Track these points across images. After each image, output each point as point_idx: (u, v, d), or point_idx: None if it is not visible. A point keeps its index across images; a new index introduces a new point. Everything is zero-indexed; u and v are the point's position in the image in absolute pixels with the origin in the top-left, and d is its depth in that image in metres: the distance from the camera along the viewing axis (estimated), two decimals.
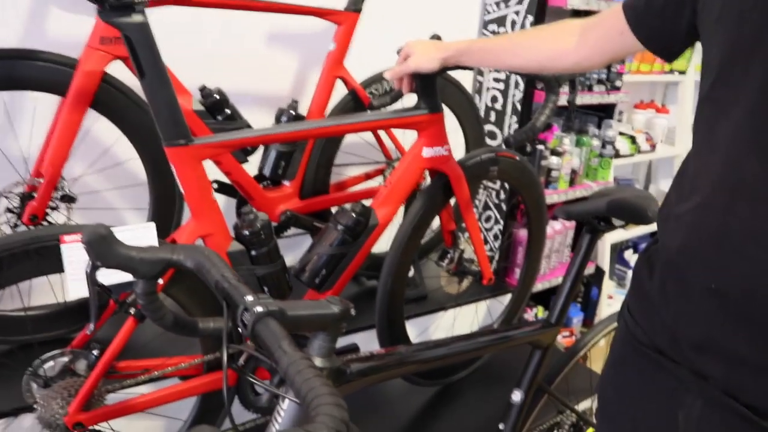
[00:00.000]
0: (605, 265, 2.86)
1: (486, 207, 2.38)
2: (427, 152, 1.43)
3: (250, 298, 0.72)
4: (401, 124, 1.40)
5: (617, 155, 2.73)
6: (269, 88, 1.90)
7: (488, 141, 2.31)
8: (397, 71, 1.35)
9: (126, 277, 0.79)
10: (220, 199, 1.58)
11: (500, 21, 2.24)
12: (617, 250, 3.28)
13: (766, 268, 0.74)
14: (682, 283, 0.84)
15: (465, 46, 1.27)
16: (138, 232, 1.14)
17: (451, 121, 1.98)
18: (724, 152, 0.78)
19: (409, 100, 1.44)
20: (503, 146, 1.70)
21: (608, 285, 2.97)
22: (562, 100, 1.81)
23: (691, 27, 0.90)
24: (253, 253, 1.34)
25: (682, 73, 3.20)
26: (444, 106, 1.48)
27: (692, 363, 0.83)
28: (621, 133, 2.87)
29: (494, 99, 2.28)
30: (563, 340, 2.69)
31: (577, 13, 2.36)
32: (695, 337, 0.82)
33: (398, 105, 1.54)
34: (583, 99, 2.36)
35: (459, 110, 2.01)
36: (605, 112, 2.67)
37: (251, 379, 0.87)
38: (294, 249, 1.97)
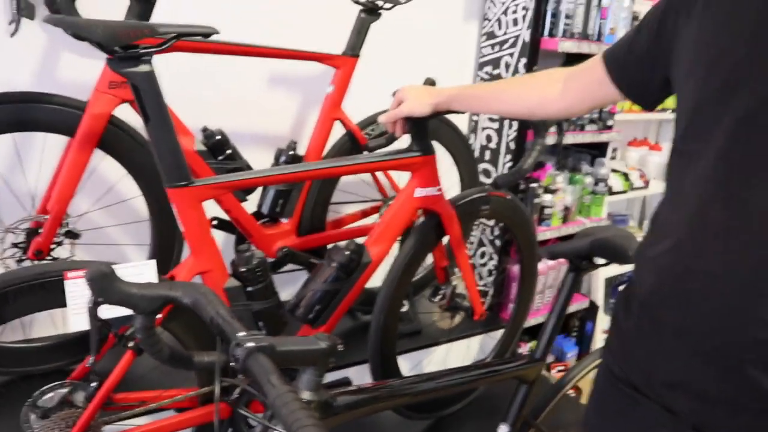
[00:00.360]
0: (599, 300, 2.90)
1: (481, 243, 2.43)
2: (419, 192, 1.49)
3: (242, 333, 0.77)
4: (394, 166, 1.46)
5: (610, 192, 2.79)
6: (269, 129, 1.97)
7: (483, 179, 2.37)
8: (391, 116, 1.41)
9: (126, 311, 0.84)
10: (220, 235, 1.64)
11: (495, 63, 2.32)
12: (612, 284, 3.31)
13: (730, 309, 0.78)
14: (654, 323, 0.89)
15: (456, 92, 1.34)
16: (139, 269, 1.19)
17: (447, 160, 2.06)
18: (692, 199, 0.83)
19: (405, 139, 1.50)
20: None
21: (603, 319, 2.99)
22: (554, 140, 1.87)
23: (666, 79, 0.96)
24: (249, 289, 1.38)
25: (674, 111, 3.26)
26: (440, 145, 1.54)
27: (664, 399, 0.87)
28: (614, 170, 2.93)
29: (489, 138, 2.35)
30: (557, 374, 2.71)
31: (569, 56, 2.45)
32: (667, 375, 0.87)
33: (394, 145, 1.61)
34: (575, 138, 2.42)
35: (454, 149, 2.08)
36: (599, 149, 2.73)
37: (244, 413, 0.91)
38: (291, 284, 2.01)
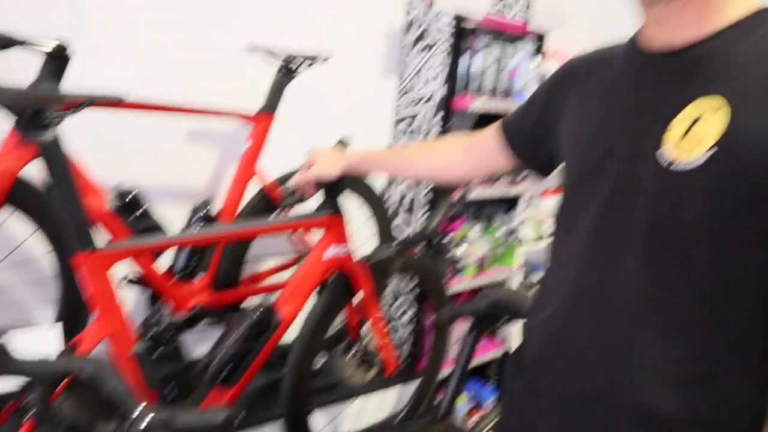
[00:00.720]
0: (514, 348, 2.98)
1: (397, 295, 2.48)
2: (329, 252, 1.53)
3: (139, 408, 0.79)
4: (305, 226, 1.50)
5: (524, 242, 2.91)
6: (186, 185, 1.97)
7: (403, 227, 2.44)
8: (301, 179, 1.46)
9: (23, 381, 0.84)
10: (133, 291, 1.62)
11: (411, 119, 2.41)
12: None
13: (603, 374, 0.85)
14: (536, 385, 0.95)
15: (364, 156, 1.41)
16: (43, 333, 1.18)
17: (362, 214, 2.11)
18: (569, 270, 0.91)
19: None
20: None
21: None
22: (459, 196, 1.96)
23: (555, 151, 1.06)
24: (158, 351, 1.38)
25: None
26: (356, 200, 1.59)
27: None
28: (528, 220, 3.05)
29: (403, 195, 2.43)
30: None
31: (481, 116, 2.57)
32: None
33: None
34: (484, 192, 2.52)
35: (369, 204, 2.14)
36: (512, 200, 2.85)
37: None
38: (207, 341, 2.00)
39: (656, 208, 0.78)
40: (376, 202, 2.15)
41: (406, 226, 2.43)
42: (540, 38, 2.57)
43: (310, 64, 1.86)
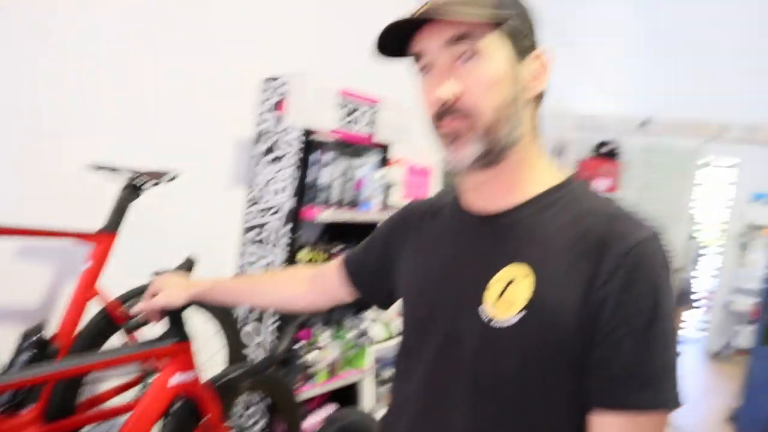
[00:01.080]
0: None
1: (248, 405, 2.42)
2: (174, 380, 1.49)
3: None
4: (148, 357, 1.46)
5: (373, 342, 2.98)
6: (18, 306, 1.85)
7: (248, 340, 2.41)
8: (145, 308, 1.43)
9: None
10: None
11: (260, 228, 2.44)
12: None
13: None
14: None
15: (210, 286, 1.40)
16: None
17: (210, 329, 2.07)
18: (407, 411, 0.97)
19: None
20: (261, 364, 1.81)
21: None
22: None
23: (394, 289, 1.13)
24: None
25: None
26: (206, 317, 1.56)
27: None
28: (377, 320, 3.15)
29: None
30: None
31: (328, 225, 2.67)
32: None
33: None
34: None
35: (220, 321, 2.11)
36: (362, 303, 2.93)
37: None
38: None
39: (479, 359, 0.86)
40: (225, 317, 2.13)
41: (256, 335, 2.41)
42: (384, 150, 2.75)
43: (156, 183, 1.85)
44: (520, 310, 0.82)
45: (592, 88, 5.95)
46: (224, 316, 2.13)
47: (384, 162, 2.74)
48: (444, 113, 0.86)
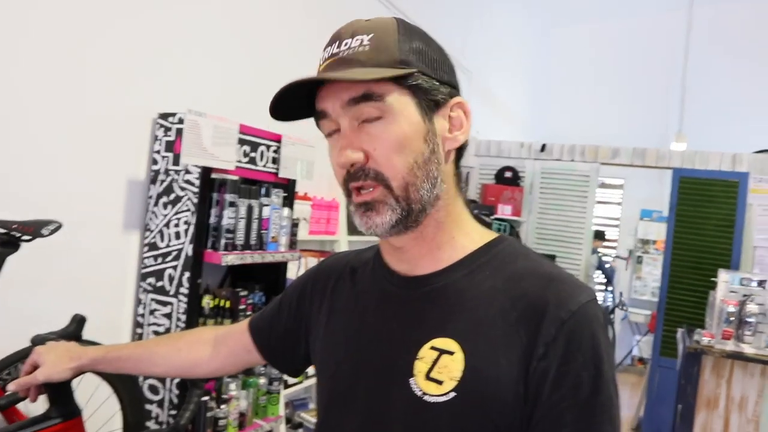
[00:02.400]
0: None
1: None
2: None
3: None
4: None
5: (287, 386, 2.86)
6: None
7: (152, 407, 2.24)
8: (23, 383, 1.25)
9: None
10: None
11: (158, 275, 2.28)
12: None
13: None
14: None
15: (101, 354, 1.24)
16: None
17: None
18: None
19: None
20: None
21: None
22: None
23: (307, 353, 1.04)
24: None
25: None
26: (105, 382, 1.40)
27: None
28: None
29: None
30: None
31: (231, 268, 2.53)
32: None
33: None
34: None
35: (116, 385, 1.93)
36: None
37: None
38: None
39: None
40: (121, 381, 1.95)
41: (155, 394, 2.23)
42: (289, 186, 2.65)
43: (35, 236, 1.67)
44: (453, 388, 0.76)
45: (493, 116, 6.13)
46: (120, 379, 1.94)
47: (289, 199, 2.65)
48: (353, 178, 0.80)
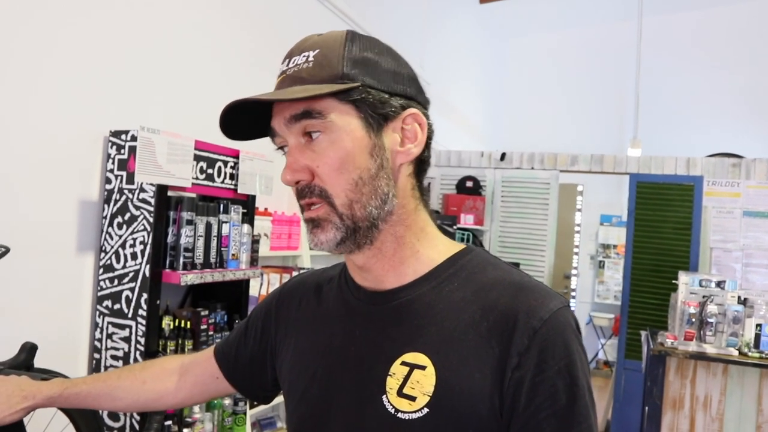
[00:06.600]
0: None
1: None
2: None
3: None
4: None
5: (252, 406, 2.79)
6: None
7: None
8: None
9: None
10: None
11: (115, 297, 2.20)
12: None
13: None
14: None
15: (57, 391, 1.15)
16: None
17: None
18: None
19: None
20: None
21: None
22: None
23: (276, 378, 1.00)
24: None
25: None
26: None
27: None
28: None
29: None
30: None
31: (192, 287, 2.47)
32: None
33: None
34: None
35: (76, 418, 1.84)
36: None
37: None
38: None
39: None
40: (81, 413, 1.86)
41: (115, 421, 2.15)
42: (248, 202, 2.61)
43: None
44: (426, 404, 0.73)
45: (452, 126, 6.17)
46: (78, 410, 1.86)
47: (249, 215, 2.60)
48: (300, 195, 0.79)
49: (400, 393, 0.75)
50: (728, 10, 6.98)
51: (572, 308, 0.81)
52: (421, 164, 0.83)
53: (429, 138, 0.83)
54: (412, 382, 0.75)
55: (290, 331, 0.94)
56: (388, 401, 0.76)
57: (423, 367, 0.75)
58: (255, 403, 2.84)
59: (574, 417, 0.71)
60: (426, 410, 0.73)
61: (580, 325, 0.78)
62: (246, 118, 0.81)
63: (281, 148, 0.82)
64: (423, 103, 0.84)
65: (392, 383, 0.76)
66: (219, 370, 1.07)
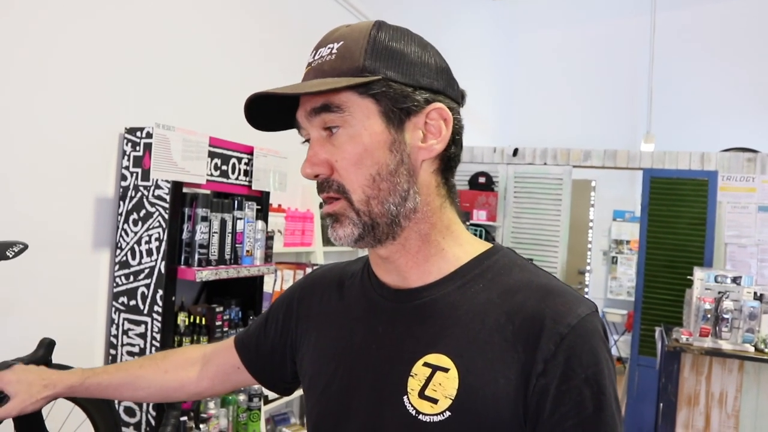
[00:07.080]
0: None
1: None
2: None
3: None
4: None
5: (266, 401, 2.80)
6: None
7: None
8: None
9: None
10: None
11: (130, 293, 2.22)
12: None
13: None
14: None
15: (78, 380, 1.16)
16: None
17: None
18: None
19: None
20: None
21: None
22: None
23: (296, 371, 1.00)
24: None
25: None
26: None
27: None
28: None
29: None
30: None
31: (206, 284, 2.48)
32: None
33: None
34: None
35: (93, 412, 1.85)
36: None
37: None
38: None
39: None
40: (98, 407, 1.87)
41: (131, 416, 2.17)
42: (263, 199, 2.61)
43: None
44: (448, 407, 0.73)
45: (464, 122, 6.14)
46: (94, 403, 1.87)
47: (263, 212, 2.61)
48: (320, 188, 0.78)
49: (421, 394, 0.74)
50: (743, 4, 6.91)
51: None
52: (447, 161, 0.82)
53: (457, 134, 0.82)
54: (435, 384, 0.74)
55: (311, 326, 0.94)
56: (409, 402, 0.75)
57: (446, 370, 0.74)
58: (270, 398, 2.85)
59: (600, 426, 0.70)
60: (448, 413, 0.72)
61: (607, 331, 0.77)
62: (274, 109, 0.80)
63: (307, 140, 0.81)
64: (453, 97, 0.82)
65: (414, 384, 0.76)
66: (239, 363, 1.07)
